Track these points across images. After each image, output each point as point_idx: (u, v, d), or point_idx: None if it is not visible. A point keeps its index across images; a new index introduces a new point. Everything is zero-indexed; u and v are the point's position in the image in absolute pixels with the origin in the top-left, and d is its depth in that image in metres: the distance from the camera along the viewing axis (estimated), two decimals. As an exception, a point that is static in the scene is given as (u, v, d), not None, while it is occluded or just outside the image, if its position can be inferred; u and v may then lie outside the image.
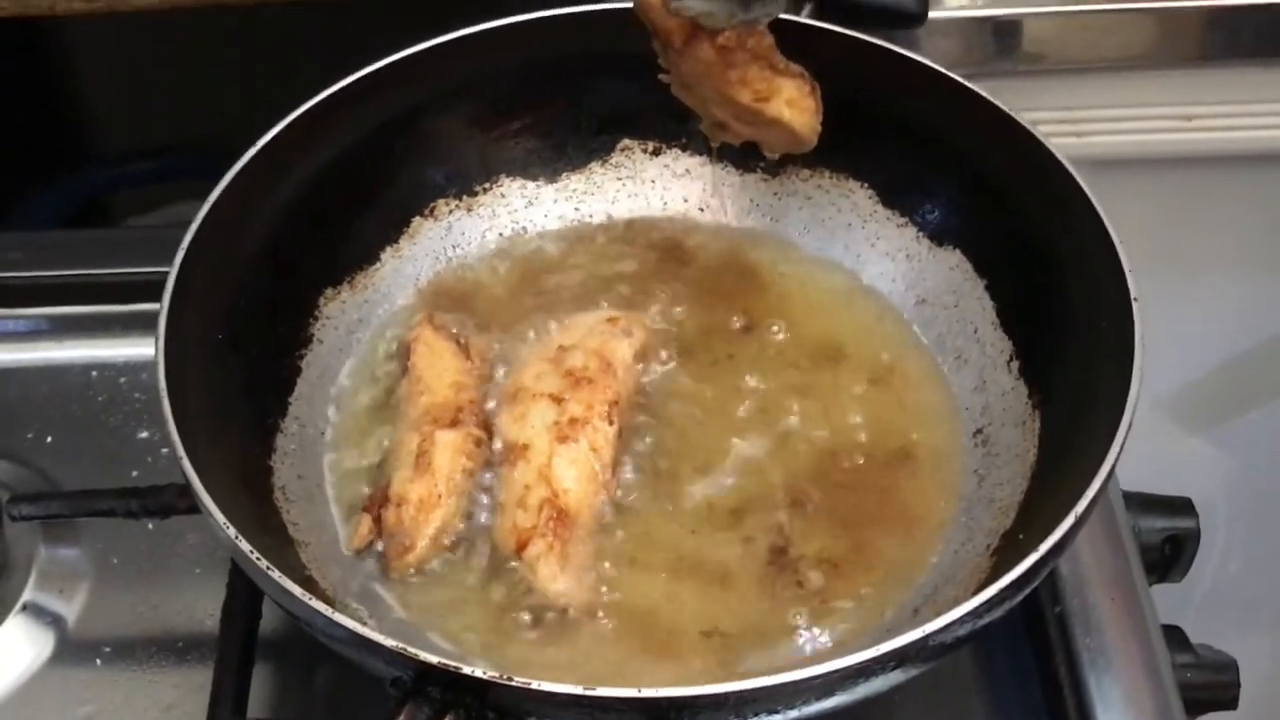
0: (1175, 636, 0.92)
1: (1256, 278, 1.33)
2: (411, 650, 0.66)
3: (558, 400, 0.85)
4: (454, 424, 0.84)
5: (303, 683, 0.87)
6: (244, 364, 0.85)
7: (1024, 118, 0.90)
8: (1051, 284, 0.86)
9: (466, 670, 0.65)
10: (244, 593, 0.84)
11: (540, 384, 0.86)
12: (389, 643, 0.66)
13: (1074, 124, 1.16)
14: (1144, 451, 0.92)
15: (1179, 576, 0.98)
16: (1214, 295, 1.34)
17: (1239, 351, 1.40)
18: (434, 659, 0.65)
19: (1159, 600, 0.92)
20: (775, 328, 0.93)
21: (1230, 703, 0.94)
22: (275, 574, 0.69)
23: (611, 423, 0.85)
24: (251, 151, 0.88)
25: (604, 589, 0.81)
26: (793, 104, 0.87)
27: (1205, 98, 1.16)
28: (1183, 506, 0.97)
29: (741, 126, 0.90)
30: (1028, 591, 0.72)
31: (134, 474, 0.98)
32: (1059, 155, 0.87)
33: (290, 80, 1.44)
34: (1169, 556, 0.97)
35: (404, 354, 0.89)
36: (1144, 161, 1.20)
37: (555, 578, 0.80)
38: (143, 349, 1.03)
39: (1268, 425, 1.46)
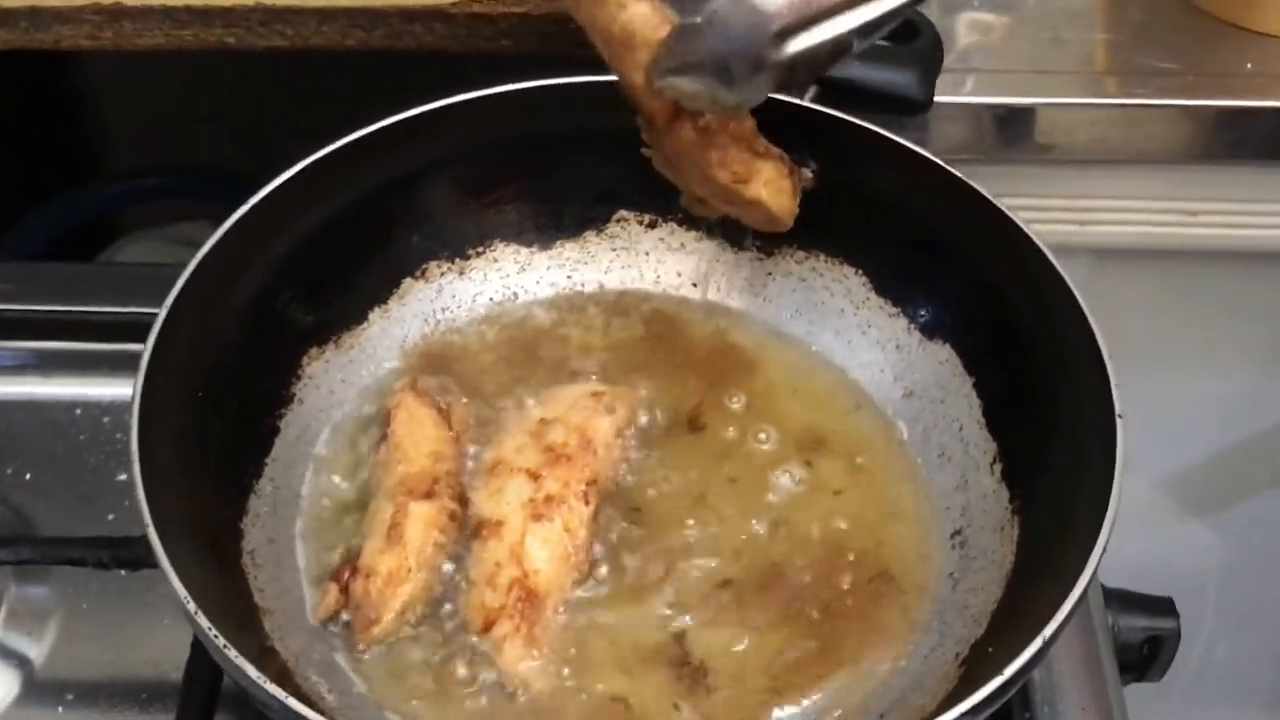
0: (1150, 743, 0.91)
1: (1256, 369, 1.33)
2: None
3: (535, 476, 0.84)
4: (429, 495, 0.83)
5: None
6: (222, 421, 0.85)
7: (1020, 216, 0.89)
8: (1039, 390, 0.86)
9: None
10: (206, 655, 0.83)
11: (519, 458, 0.85)
12: (341, 733, 0.65)
13: (1079, 213, 1.16)
14: (1137, 534, 0.91)
15: (1157, 676, 0.97)
16: (1214, 384, 1.33)
17: (1236, 441, 1.39)
18: (386, 752, 0.65)
19: (1142, 687, 0.91)
20: (758, 413, 0.92)
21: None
22: (232, 653, 0.68)
23: (588, 503, 0.84)
24: (245, 207, 0.88)
25: (566, 672, 0.80)
26: (770, 186, 0.87)
27: (1210, 194, 1.15)
28: (1164, 606, 0.96)
29: (720, 203, 0.90)
30: (994, 709, 0.71)
31: (110, 517, 0.97)
32: (1053, 260, 0.86)
33: (298, 113, 1.45)
34: (1147, 656, 0.96)
35: (385, 419, 0.89)
36: (1147, 253, 1.19)
37: (520, 659, 0.79)
38: (127, 389, 1.02)
39: (1262, 514, 1.45)
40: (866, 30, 0.76)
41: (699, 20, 0.77)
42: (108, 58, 1.45)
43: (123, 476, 0.99)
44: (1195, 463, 1.40)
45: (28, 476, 1.00)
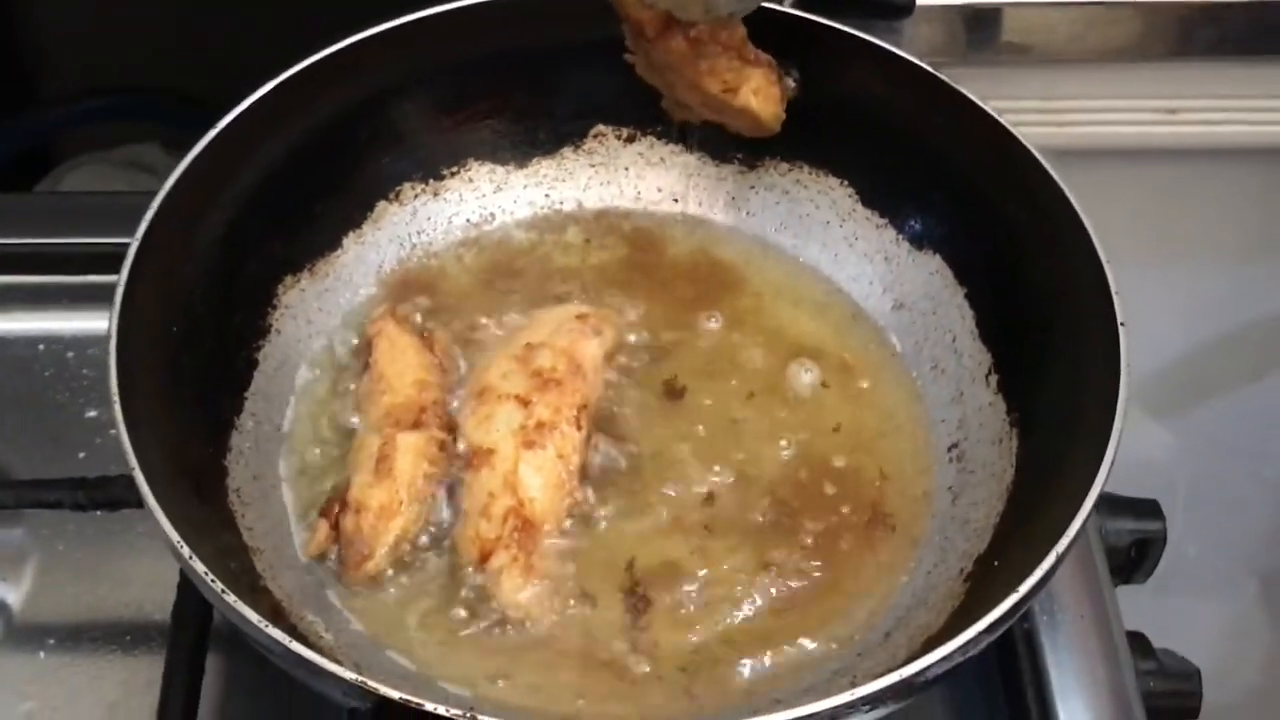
0: (1139, 644, 0.91)
1: (1227, 267, 1.33)
2: (371, 684, 0.63)
3: (524, 403, 0.82)
4: (416, 425, 0.81)
5: (255, 683, 0.85)
6: (199, 357, 0.82)
7: (1012, 119, 0.87)
8: (1034, 300, 0.84)
9: (429, 708, 0.63)
10: (195, 596, 0.81)
11: (506, 384, 0.83)
12: (349, 675, 0.64)
13: (1056, 114, 1.14)
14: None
15: (1144, 578, 0.97)
16: (1186, 283, 1.33)
17: (1205, 339, 1.39)
18: (395, 694, 0.63)
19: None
20: (748, 329, 0.90)
21: (1192, 712, 0.93)
22: (231, 598, 0.66)
23: (580, 428, 0.83)
24: (210, 134, 0.84)
25: (571, 603, 0.78)
26: (759, 93, 0.86)
27: (1190, 91, 1.14)
28: (1150, 509, 0.96)
29: (706, 111, 0.89)
30: (1008, 625, 0.70)
31: (80, 455, 0.95)
32: (1047, 165, 0.84)
33: (246, 29, 1.41)
34: (1135, 559, 0.96)
35: (365, 348, 0.86)
36: (1126, 152, 1.18)
37: (519, 590, 0.78)
38: (91, 323, 1.00)
39: (1230, 411, 1.46)
40: None
41: None
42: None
43: (92, 413, 0.97)
44: (1165, 362, 1.40)
45: (-7, 416, 0.97)
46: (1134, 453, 1.10)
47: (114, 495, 0.84)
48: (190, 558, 0.68)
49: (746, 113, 0.86)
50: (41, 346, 1.00)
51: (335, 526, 0.79)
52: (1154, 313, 1.29)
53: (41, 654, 0.87)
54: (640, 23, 0.83)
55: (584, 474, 0.82)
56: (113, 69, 1.64)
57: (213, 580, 0.67)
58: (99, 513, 0.89)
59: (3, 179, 1.59)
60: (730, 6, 0.79)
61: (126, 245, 0.80)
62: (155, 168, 1.59)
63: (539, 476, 0.80)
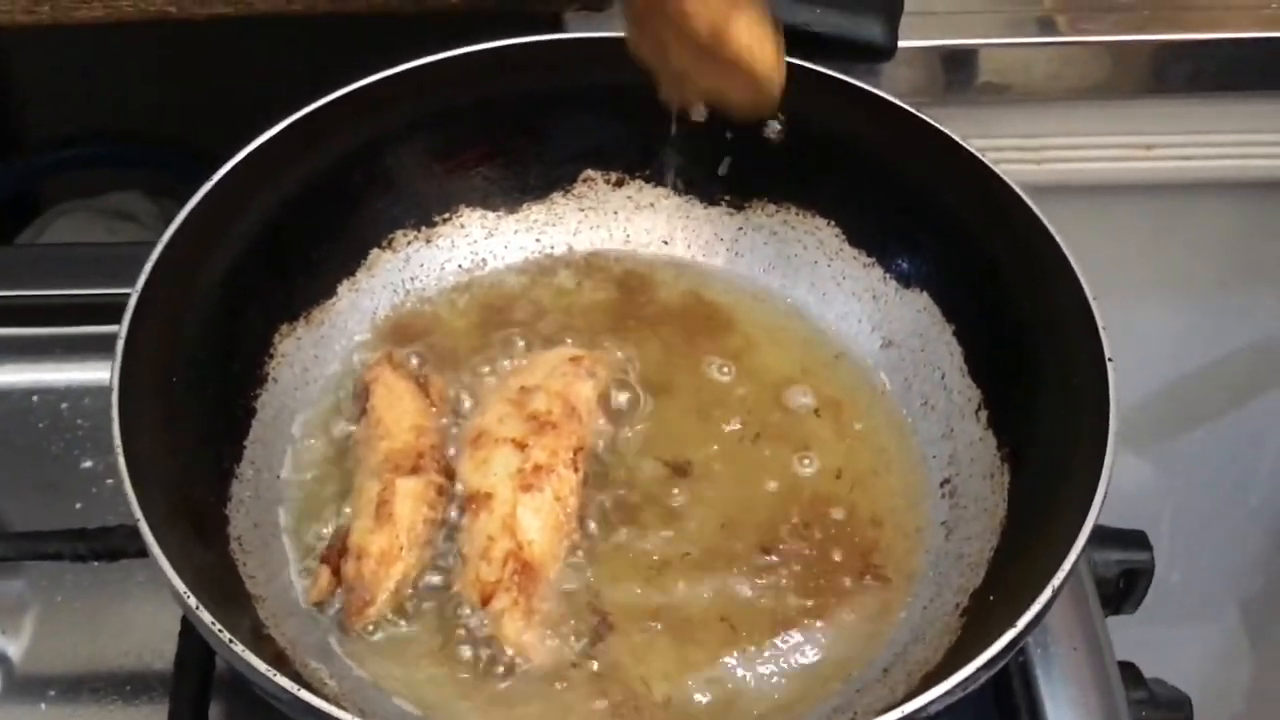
0: (1131, 674, 0.92)
1: (1205, 300, 1.34)
2: (380, 731, 0.64)
3: (521, 446, 0.83)
4: (415, 471, 0.82)
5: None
6: (198, 406, 0.83)
7: (989, 158, 0.89)
8: (1022, 336, 0.86)
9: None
10: (197, 645, 0.81)
11: (503, 428, 0.84)
12: (357, 723, 0.64)
13: (1035, 151, 1.16)
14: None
15: (1132, 609, 0.98)
16: (1166, 316, 1.35)
17: (1186, 371, 1.41)
18: (403, 741, 0.64)
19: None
20: (738, 370, 0.92)
21: (1184, 741, 0.94)
22: (238, 647, 0.67)
23: (576, 470, 0.83)
24: (206, 186, 0.85)
25: (572, 640, 0.79)
26: (751, 32, 0.81)
27: (1166, 128, 1.16)
28: (1137, 540, 0.97)
29: (700, 77, 0.85)
30: (1008, 660, 0.71)
31: (77, 506, 0.95)
32: (1029, 201, 0.86)
33: (229, 77, 1.42)
34: (1124, 589, 0.97)
35: (362, 394, 0.87)
36: (1104, 188, 1.20)
37: (521, 632, 0.78)
38: (85, 373, 1.01)
39: (1212, 442, 1.47)
40: None
41: None
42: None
43: (88, 463, 0.97)
44: (1148, 393, 1.42)
45: (-12, 468, 0.97)
46: (1117, 484, 1.12)
47: (114, 545, 0.84)
48: (196, 607, 0.69)
49: (739, 66, 0.82)
50: (36, 398, 1.00)
51: (336, 572, 0.79)
52: (1134, 345, 1.30)
53: (43, 705, 0.87)
54: None
55: (582, 515, 0.83)
56: (96, 116, 1.65)
57: (219, 629, 0.68)
58: (98, 563, 0.90)
59: (-14, 228, 1.60)
60: None
61: (119, 296, 0.81)
62: (139, 216, 1.60)
63: (537, 519, 0.81)
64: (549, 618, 0.79)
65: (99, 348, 0.98)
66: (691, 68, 0.85)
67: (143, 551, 0.73)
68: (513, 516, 0.81)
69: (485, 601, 0.79)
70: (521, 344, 0.92)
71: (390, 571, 0.79)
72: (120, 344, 0.78)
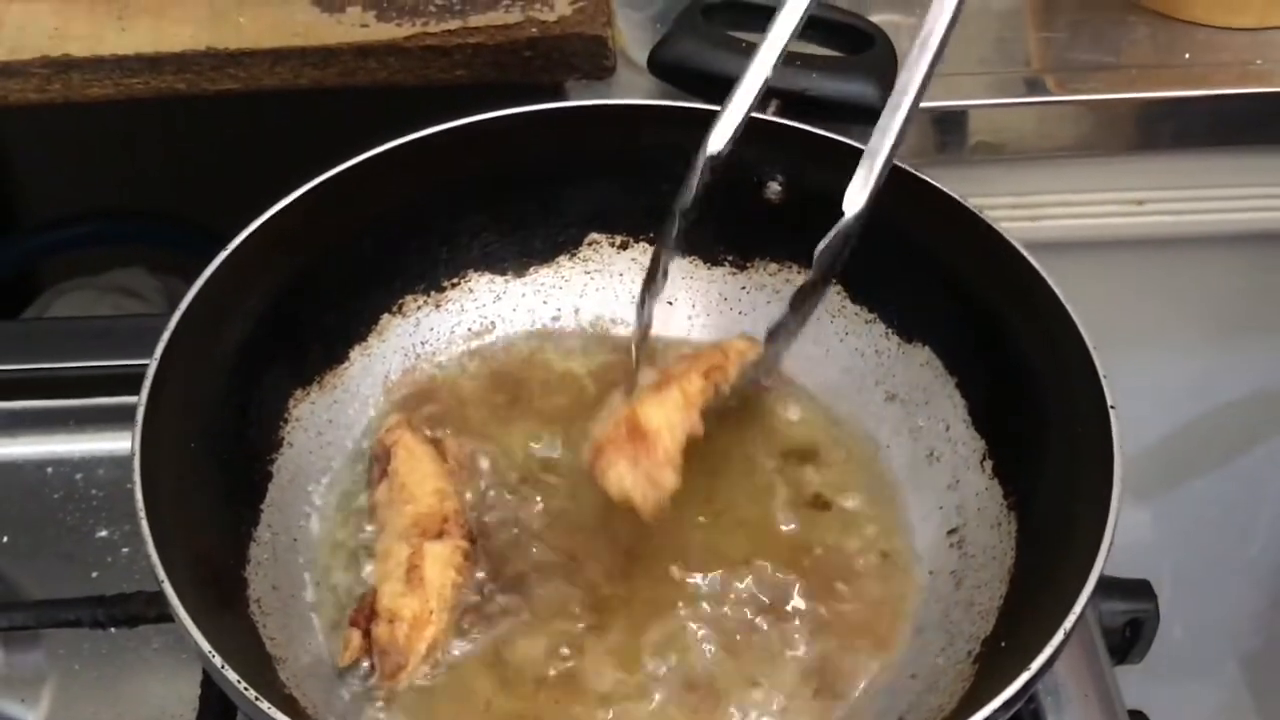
0: (1139, 721, 0.93)
1: (1200, 352, 1.36)
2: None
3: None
4: (440, 535, 0.83)
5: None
6: (216, 472, 0.84)
7: (987, 215, 0.91)
8: (1024, 386, 0.87)
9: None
10: (217, 710, 0.82)
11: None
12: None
13: (1028, 208, 1.18)
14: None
15: (1139, 658, 0.99)
16: (1161, 368, 1.36)
17: (1183, 423, 1.42)
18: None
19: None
20: (744, 427, 0.93)
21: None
22: (265, 705, 0.68)
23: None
24: (222, 255, 0.87)
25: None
26: None
27: (1156, 183, 1.18)
28: (1141, 589, 0.98)
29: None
30: (1019, 706, 0.72)
31: (94, 574, 0.96)
32: (1029, 256, 0.88)
33: (226, 152, 1.44)
34: (1129, 639, 0.98)
35: (381, 457, 0.88)
36: (1096, 244, 1.22)
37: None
38: (98, 444, 1.02)
39: (1210, 493, 1.48)
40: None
41: None
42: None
43: (103, 533, 0.99)
44: (1145, 445, 1.43)
45: (5, 539, 0.99)
46: (1119, 535, 1.13)
47: (133, 611, 0.85)
48: (222, 666, 0.69)
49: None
50: (50, 469, 1.02)
51: (366, 635, 0.80)
52: (1131, 397, 1.32)
53: (62, 776, 0.88)
54: None
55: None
56: (96, 194, 1.67)
57: (245, 687, 0.69)
58: (114, 630, 0.90)
59: (-11, 306, 1.61)
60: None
61: (130, 368, 0.83)
62: (142, 292, 1.61)
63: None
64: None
65: (111, 419, 1.01)
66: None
67: (161, 617, 0.74)
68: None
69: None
70: (531, 406, 0.93)
71: (422, 635, 0.80)
72: (140, 411, 0.79)
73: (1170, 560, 1.51)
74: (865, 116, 1.00)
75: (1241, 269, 1.28)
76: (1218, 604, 1.57)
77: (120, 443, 0.79)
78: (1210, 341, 1.34)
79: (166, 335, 0.82)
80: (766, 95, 0.89)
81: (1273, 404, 1.38)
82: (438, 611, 0.80)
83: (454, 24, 1.08)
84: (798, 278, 0.97)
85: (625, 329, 0.98)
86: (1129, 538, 1.42)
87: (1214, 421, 1.41)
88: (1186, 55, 1.16)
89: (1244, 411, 1.39)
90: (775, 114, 0.97)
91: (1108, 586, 0.96)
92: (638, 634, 0.83)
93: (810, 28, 0.91)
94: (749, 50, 0.88)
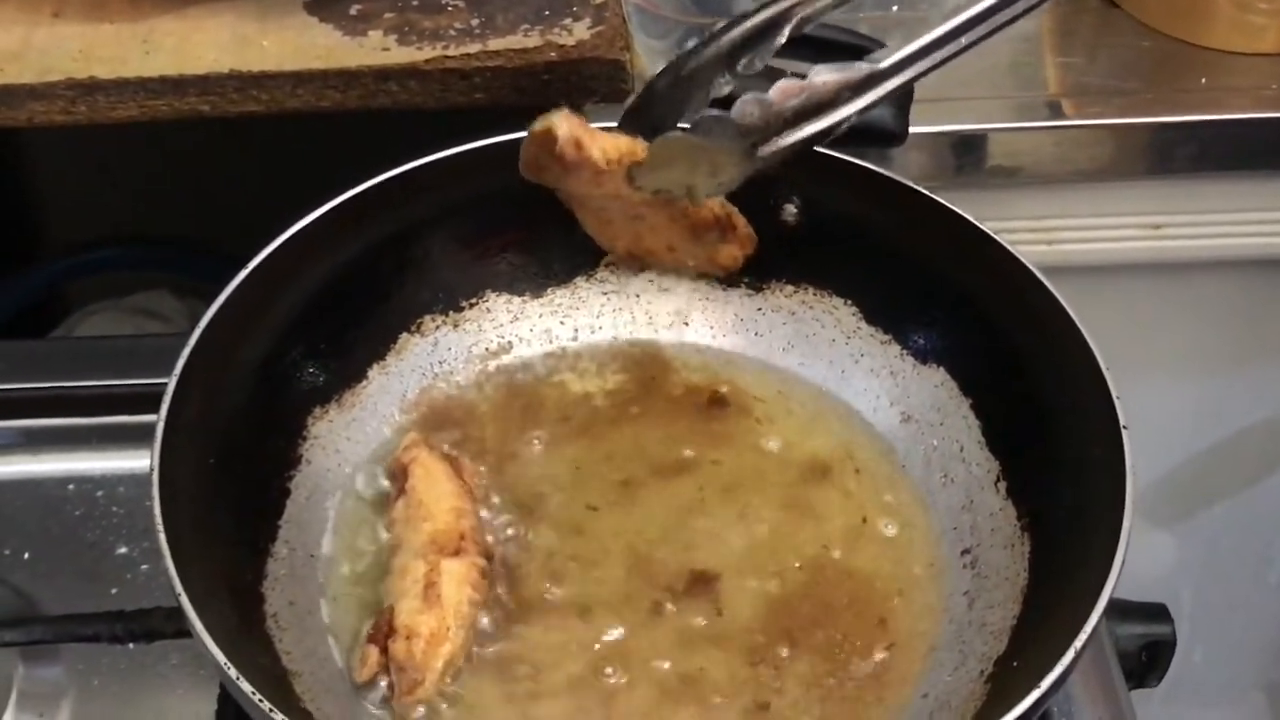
0: (1156, 747, 0.93)
1: (1219, 376, 1.36)
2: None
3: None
4: (457, 553, 0.84)
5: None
6: (235, 487, 0.85)
7: (1003, 238, 0.91)
8: (1038, 407, 0.87)
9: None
10: (234, 721, 0.83)
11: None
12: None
13: (1045, 232, 1.18)
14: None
15: (1155, 682, 0.99)
16: (1179, 393, 1.36)
17: (1202, 447, 1.42)
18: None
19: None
20: (759, 444, 0.93)
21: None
22: (280, 717, 0.68)
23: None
24: (241, 274, 0.88)
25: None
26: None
27: (1173, 208, 1.18)
28: (1159, 613, 0.98)
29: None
30: (1029, 724, 0.72)
31: (113, 591, 0.97)
32: (1043, 278, 0.88)
33: (249, 177, 1.45)
34: (1146, 663, 0.98)
35: (399, 474, 0.89)
36: (1113, 268, 1.22)
37: None
38: (119, 462, 1.03)
39: (1230, 518, 1.48)
40: (828, 133, 0.82)
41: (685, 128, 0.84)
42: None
43: (123, 550, 0.99)
44: (1164, 470, 1.43)
45: (26, 556, 0.99)
46: (1138, 562, 1.13)
47: (152, 626, 0.86)
48: (239, 680, 0.70)
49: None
50: (71, 486, 1.03)
51: (384, 652, 0.81)
52: (1148, 422, 1.32)
53: (80, 788, 0.89)
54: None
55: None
56: (120, 217, 1.68)
57: (261, 701, 0.69)
58: (133, 645, 0.91)
59: (16, 328, 1.63)
60: (712, 191, 0.85)
61: (152, 386, 0.83)
62: (166, 314, 1.63)
63: None
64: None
65: (133, 437, 1.02)
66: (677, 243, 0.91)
67: (179, 632, 0.75)
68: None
69: None
70: (546, 426, 0.94)
71: (439, 651, 0.80)
72: (159, 429, 0.80)
73: (1190, 586, 1.51)
74: (883, 141, 1.01)
75: (1259, 293, 1.28)
76: (1241, 631, 1.57)
77: (141, 460, 0.80)
78: (1228, 366, 1.34)
79: (186, 354, 0.83)
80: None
81: (1291, 430, 1.38)
82: (454, 628, 0.81)
83: (474, 47, 1.09)
84: (813, 299, 0.98)
85: (641, 348, 0.99)
86: (1149, 562, 1.43)
87: (1234, 446, 1.41)
88: (1203, 80, 1.16)
89: (1264, 436, 1.39)
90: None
91: (1124, 610, 0.97)
92: (654, 654, 0.83)
93: (819, 49, 0.92)
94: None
